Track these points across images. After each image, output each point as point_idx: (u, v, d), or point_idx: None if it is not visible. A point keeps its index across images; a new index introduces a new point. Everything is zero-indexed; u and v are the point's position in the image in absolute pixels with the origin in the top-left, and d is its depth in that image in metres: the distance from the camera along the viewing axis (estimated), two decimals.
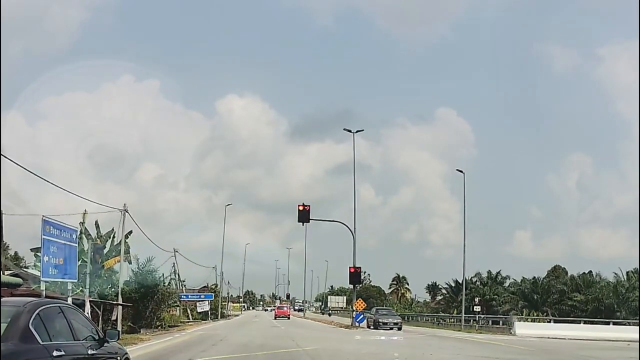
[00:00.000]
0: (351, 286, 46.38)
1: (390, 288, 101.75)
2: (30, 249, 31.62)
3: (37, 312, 6.31)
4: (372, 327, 38.16)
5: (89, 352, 7.09)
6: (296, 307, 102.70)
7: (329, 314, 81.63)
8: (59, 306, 7.18)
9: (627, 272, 48.78)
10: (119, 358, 8.25)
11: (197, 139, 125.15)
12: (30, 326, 6.03)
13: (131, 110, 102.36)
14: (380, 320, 37.43)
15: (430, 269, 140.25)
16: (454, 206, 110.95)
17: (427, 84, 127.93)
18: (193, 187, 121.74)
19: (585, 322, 37.92)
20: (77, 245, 20.69)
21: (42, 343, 6.06)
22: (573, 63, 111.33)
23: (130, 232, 32.15)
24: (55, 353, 6.12)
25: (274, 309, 74.03)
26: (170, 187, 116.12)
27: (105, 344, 7.74)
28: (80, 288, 26.48)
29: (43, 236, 17.27)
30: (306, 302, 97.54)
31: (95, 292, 28.66)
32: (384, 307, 51.04)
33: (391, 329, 36.30)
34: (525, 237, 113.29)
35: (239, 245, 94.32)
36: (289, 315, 62.80)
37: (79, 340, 7.06)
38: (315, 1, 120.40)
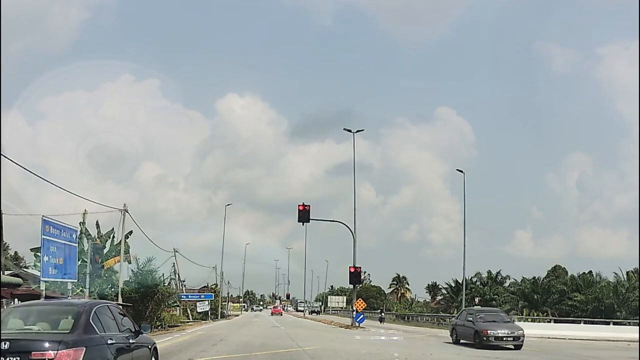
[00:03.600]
0: (351, 286, 46.35)
1: (390, 288, 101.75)
2: (30, 249, 31.70)
3: (94, 310, 8.34)
4: (463, 340, 23.34)
5: (130, 341, 9.06)
6: (300, 308, 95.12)
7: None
8: (107, 305, 9.23)
9: (627, 272, 48.75)
10: (149, 346, 10.25)
11: (197, 139, 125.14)
12: (90, 321, 8.05)
13: (131, 110, 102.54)
14: (489, 331, 21.29)
15: (430, 269, 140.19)
16: (454, 206, 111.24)
17: (427, 84, 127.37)
18: (193, 186, 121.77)
19: (585, 322, 37.90)
20: (77, 245, 20.72)
21: (99, 334, 8.04)
22: (573, 63, 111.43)
23: (131, 232, 32.20)
24: (109, 341, 8.12)
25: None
26: (170, 186, 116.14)
27: (140, 335, 9.69)
28: (80, 288, 26.49)
29: (43, 236, 17.28)
30: (306, 302, 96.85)
31: (95, 292, 28.67)
32: (486, 308, 30.83)
33: (497, 346, 21.30)
34: (525, 237, 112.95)
35: (239, 245, 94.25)
36: (281, 312, 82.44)
37: (122, 332, 8.99)
38: (315, 1, 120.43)
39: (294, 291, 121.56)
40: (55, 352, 7.18)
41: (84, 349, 7.42)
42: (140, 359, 9.49)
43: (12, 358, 7.11)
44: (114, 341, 8.32)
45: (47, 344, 7.26)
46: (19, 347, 7.23)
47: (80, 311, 8.14)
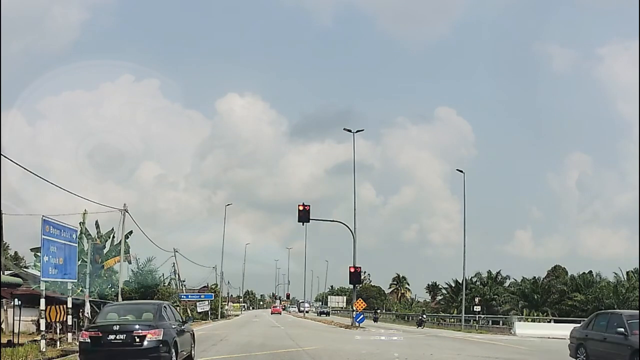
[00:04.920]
0: (351, 286, 46.30)
1: (390, 288, 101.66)
2: (30, 249, 31.70)
3: (162, 307, 13.60)
4: None
5: (181, 327, 13.93)
6: (302, 308, 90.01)
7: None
8: (167, 304, 14.53)
9: (627, 272, 48.64)
10: (191, 332, 15.44)
11: (197, 139, 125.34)
12: (162, 313, 13.16)
13: (131, 110, 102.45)
14: None
15: (430, 268, 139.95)
16: (454, 206, 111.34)
17: (427, 84, 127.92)
18: (193, 186, 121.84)
19: None
20: (77, 245, 20.66)
21: (167, 321, 13.05)
22: (573, 63, 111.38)
23: (131, 232, 32.17)
24: (172, 326, 13.14)
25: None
26: (170, 186, 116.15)
27: (185, 324, 14.69)
28: (81, 288, 26.48)
29: (43, 236, 17.24)
30: (307, 302, 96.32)
31: (95, 292, 28.68)
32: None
33: None
34: (525, 237, 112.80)
35: (239, 245, 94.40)
36: (280, 312, 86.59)
37: (177, 321, 13.96)
38: (315, 1, 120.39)
39: (293, 291, 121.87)
40: (147, 331, 12.16)
41: (162, 330, 12.40)
42: (186, 339, 14.44)
43: (121, 335, 12.12)
44: (175, 326, 13.41)
45: (141, 327, 12.32)
46: (124, 329, 12.28)
47: (155, 308, 13.49)
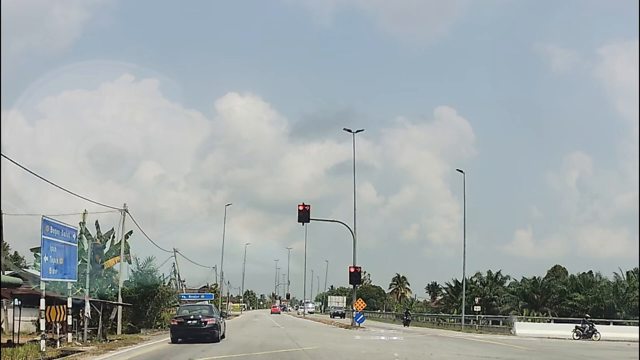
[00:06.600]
0: (351, 286, 46.33)
1: (390, 288, 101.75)
2: (30, 249, 31.59)
3: (212, 306, 25.71)
4: None
5: (221, 317, 25.19)
6: (309, 310, 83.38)
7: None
8: (213, 305, 28.20)
9: (627, 272, 48.67)
10: (224, 322, 25.57)
11: (197, 139, 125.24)
12: (213, 310, 23.94)
13: (131, 110, 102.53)
14: None
15: (430, 269, 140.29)
16: (454, 206, 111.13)
17: (427, 84, 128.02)
18: (193, 186, 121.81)
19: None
20: (77, 245, 20.66)
21: (216, 314, 23.34)
22: (573, 63, 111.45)
23: (131, 232, 32.12)
24: (218, 317, 23.47)
25: None
26: (170, 186, 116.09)
27: (222, 317, 25.83)
28: (80, 288, 26.45)
29: (43, 236, 17.24)
30: (310, 302, 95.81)
31: (95, 292, 28.63)
32: None
33: None
34: (525, 237, 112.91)
35: (239, 245, 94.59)
36: (279, 311, 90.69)
37: (219, 315, 24.91)
38: (315, 1, 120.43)
39: (294, 291, 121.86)
40: (207, 318, 21.78)
41: (215, 318, 22.19)
42: (224, 325, 24.07)
43: (194, 321, 21.63)
44: (219, 317, 23.73)
45: (203, 316, 21.91)
46: (196, 317, 21.81)
47: (209, 306, 24.54)
